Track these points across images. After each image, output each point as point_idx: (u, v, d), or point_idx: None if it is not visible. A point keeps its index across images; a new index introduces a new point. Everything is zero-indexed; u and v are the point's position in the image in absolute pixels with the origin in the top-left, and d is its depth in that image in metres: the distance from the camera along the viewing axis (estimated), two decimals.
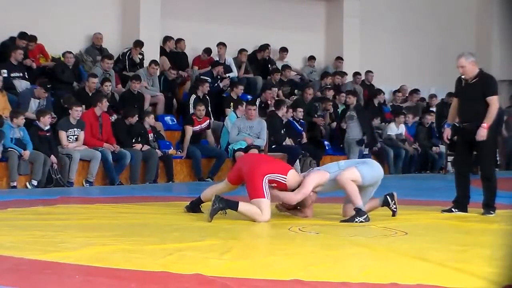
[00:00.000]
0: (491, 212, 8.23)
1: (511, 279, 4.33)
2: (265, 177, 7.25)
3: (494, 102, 8.20)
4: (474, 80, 8.28)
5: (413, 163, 16.71)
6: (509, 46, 21.02)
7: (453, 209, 8.36)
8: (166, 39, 15.85)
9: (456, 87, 8.67)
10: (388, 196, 7.78)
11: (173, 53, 16.00)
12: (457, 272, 4.86)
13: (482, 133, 8.13)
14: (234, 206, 7.17)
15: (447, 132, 8.60)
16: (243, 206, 7.21)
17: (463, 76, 8.34)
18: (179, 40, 16.08)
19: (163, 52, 15.77)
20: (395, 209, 7.74)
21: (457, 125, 8.51)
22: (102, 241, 5.94)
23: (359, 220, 7.28)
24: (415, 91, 18.78)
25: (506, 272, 4.56)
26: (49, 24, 14.46)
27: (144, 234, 6.50)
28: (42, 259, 5.08)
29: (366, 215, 7.34)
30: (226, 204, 7.15)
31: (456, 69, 8.39)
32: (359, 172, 7.44)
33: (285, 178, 7.35)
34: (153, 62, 14.75)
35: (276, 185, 7.34)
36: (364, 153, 15.50)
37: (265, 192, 7.22)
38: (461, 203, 8.40)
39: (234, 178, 7.63)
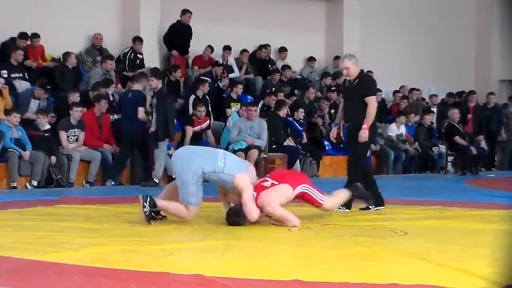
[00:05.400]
0: (343, 208, 8.23)
1: (511, 279, 4.33)
2: None
3: (371, 102, 8.37)
4: (356, 81, 8.45)
5: (413, 163, 16.70)
6: (509, 46, 21.04)
7: (370, 207, 8.39)
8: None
9: (342, 88, 8.89)
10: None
11: None
12: (457, 272, 4.86)
13: (364, 134, 8.29)
14: None
15: (333, 132, 8.84)
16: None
17: (347, 78, 8.47)
18: None
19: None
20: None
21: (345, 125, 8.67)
22: (102, 241, 5.95)
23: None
24: (414, 89, 18.74)
25: (506, 272, 4.56)
26: (49, 24, 14.43)
27: (144, 234, 6.50)
28: (42, 260, 5.09)
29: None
30: None
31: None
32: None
33: None
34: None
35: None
36: None
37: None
38: (378, 199, 8.46)
39: None
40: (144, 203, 6.95)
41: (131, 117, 12.33)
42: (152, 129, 12.20)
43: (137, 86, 12.53)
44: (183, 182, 7.01)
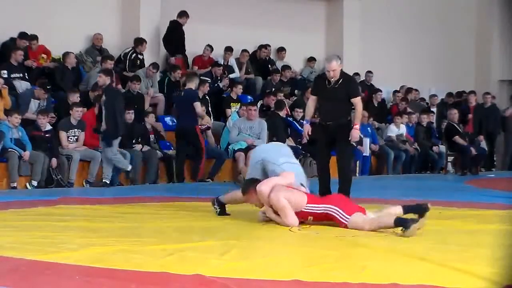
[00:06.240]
0: None
1: (511, 279, 4.33)
2: None
3: (359, 103, 8.50)
4: (340, 81, 8.49)
5: (413, 164, 16.71)
6: (509, 46, 21.04)
7: None
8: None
9: (317, 86, 8.86)
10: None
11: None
12: (457, 272, 4.85)
13: (355, 135, 8.44)
14: None
15: (307, 129, 8.84)
16: None
17: (332, 79, 8.43)
18: None
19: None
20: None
21: (321, 123, 8.73)
22: (102, 241, 5.94)
23: None
24: (412, 89, 18.74)
25: (506, 272, 4.56)
26: (49, 24, 14.45)
27: (144, 234, 6.51)
28: (42, 260, 5.09)
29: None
30: None
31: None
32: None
33: None
34: (152, 64, 14.73)
35: None
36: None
37: None
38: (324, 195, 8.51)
39: None
40: (214, 205, 7.77)
41: (186, 115, 12.77)
42: (103, 127, 11.78)
43: (189, 85, 12.94)
44: (249, 163, 8.09)
